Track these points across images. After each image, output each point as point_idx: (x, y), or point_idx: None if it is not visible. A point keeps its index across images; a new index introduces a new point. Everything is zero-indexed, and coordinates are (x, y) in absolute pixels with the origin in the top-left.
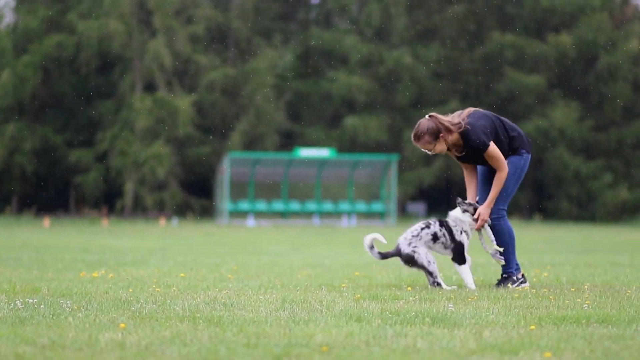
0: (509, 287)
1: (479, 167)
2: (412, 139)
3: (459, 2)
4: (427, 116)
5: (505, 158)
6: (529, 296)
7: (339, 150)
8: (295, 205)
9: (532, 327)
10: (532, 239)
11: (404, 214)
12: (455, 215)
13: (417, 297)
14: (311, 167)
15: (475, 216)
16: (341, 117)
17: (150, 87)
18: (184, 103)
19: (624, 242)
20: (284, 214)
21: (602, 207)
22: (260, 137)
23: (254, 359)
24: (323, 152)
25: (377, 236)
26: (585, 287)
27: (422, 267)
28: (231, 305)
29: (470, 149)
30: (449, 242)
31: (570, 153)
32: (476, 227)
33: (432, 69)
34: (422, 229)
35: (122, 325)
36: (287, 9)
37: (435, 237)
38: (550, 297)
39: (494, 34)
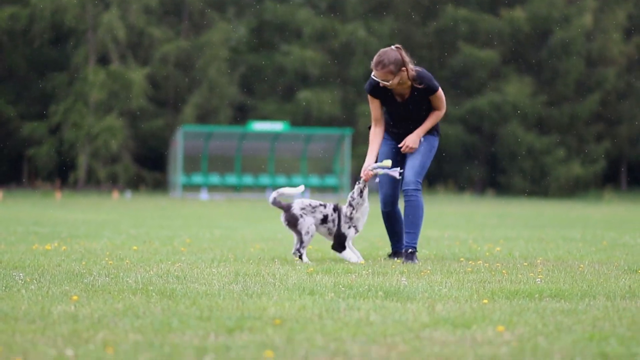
0: (415, 262)
1: (387, 149)
2: (375, 65)
3: None
4: (394, 46)
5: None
6: (482, 270)
7: (292, 124)
8: (248, 179)
9: (485, 301)
10: (485, 213)
11: None
12: (343, 210)
13: (370, 271)
14: (264, 140)
15: (403, 143)
16: (295, 91)
17: (103, 60)
18: (137, 76)
19: (576, 217)
20: (237, 188)
21: (555, 182)
22: (214, 111)
23: (207, 331)
24: (276, 126)
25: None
26: (538, 261)
27: (299, 232)
28: (184, 278)
29: (418, 91)
30: (334, 227)
31: (523, 128)
32: (403, 150)
33: (386, 43)
34: (320, 205)
35: (75, 297)
36: None
37: (325, 219)
38: (503, 271)
39: (447, 8)
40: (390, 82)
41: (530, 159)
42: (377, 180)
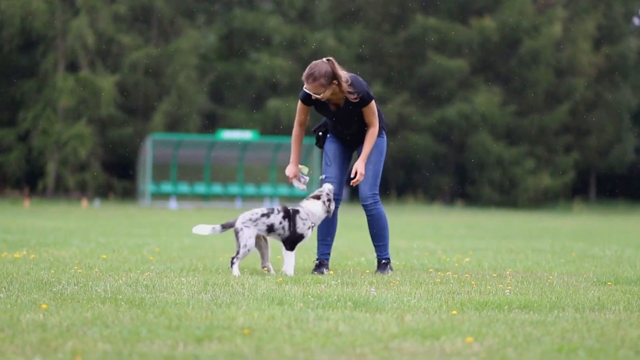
0: (388, 272)
1: (334, 147)
2: (305, 78)
3: None
4: (325, 59)
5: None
6: (451, 281)
7: (261, 132)
8: (217, 188)
9: (454, 312)
10: (454, 224)
11: None
12: (311, 208)
13: (339, 281)
14: (234, 149)
15: (353, 173)
16: (264, 99)
17: (73, 67)
18: (107, 83)
19: (545, 228)
20: (206, 197)
21: (524, 193)
22: (183, 119)
23: (176, 340)
24: (246, 135)
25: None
26: (507, 273)
27: (238, 244)
28: (153, 287)
29: (351, 107)
30: (286, 232)
31: (492, 138)
32: (353, 183)
33: (356, 52)
34: (262, 215)
35: (44, 306)
36: None
37: (270, 229)
38: (472, 282)
39: (417, 17)
40: (322, 95)
41: (500, 169)
42: (323, 177)
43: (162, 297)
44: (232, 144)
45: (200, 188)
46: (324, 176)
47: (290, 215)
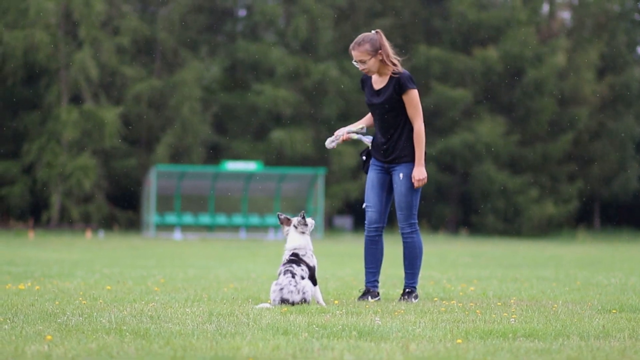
0: (412, 301)
1: (372, 175)
2: (351, 47)
3: (386, 16)
4: (374, 31)
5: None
6: (456, 310)
7: (265, 163)
8: (221, 219)
9: (459, 340)
10: (459, 253)
11: (331, 228)
12: (301, 244)
13: (344, 310)
14: (238, 180)
15: (415, 181)
16: (268, 130)
17: (76, 99)
18: (110, 115)
19: (549, 256)
20: (210, 227)
21: (528, 221)
22: (187, 150)
23: None
24: (250, 166)
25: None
26: (512, 301)
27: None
28: (158, 317)
29: (392, 91)
30: (306, 272)
31: (496, 167)
32: (417, 185)
33: (358, 83)
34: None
35: (49, 337)
36: (213, 21)
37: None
38: (477, 311)
39: (420, 47)
40: (367, 64)
41: (503, 198)
42: (364, 205)
43: (167, 328)
44: (236, 175)
45: (205, 219)
46: (365, 205)
47: (298, 259)
